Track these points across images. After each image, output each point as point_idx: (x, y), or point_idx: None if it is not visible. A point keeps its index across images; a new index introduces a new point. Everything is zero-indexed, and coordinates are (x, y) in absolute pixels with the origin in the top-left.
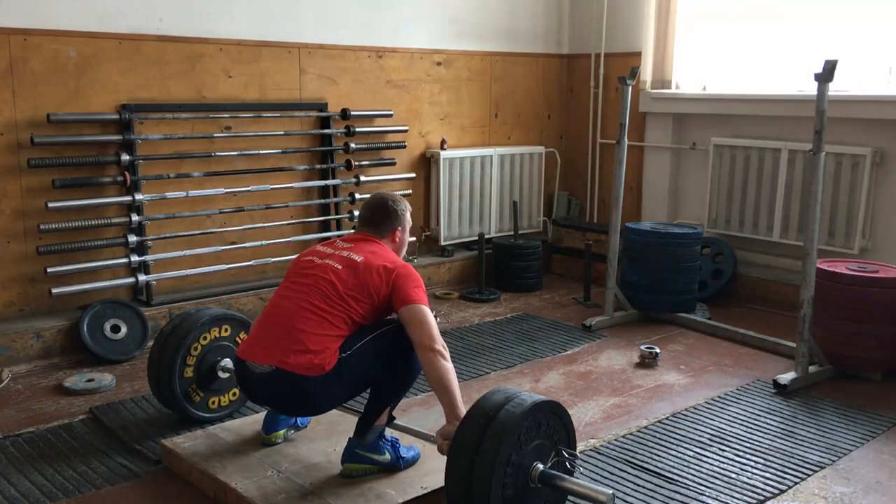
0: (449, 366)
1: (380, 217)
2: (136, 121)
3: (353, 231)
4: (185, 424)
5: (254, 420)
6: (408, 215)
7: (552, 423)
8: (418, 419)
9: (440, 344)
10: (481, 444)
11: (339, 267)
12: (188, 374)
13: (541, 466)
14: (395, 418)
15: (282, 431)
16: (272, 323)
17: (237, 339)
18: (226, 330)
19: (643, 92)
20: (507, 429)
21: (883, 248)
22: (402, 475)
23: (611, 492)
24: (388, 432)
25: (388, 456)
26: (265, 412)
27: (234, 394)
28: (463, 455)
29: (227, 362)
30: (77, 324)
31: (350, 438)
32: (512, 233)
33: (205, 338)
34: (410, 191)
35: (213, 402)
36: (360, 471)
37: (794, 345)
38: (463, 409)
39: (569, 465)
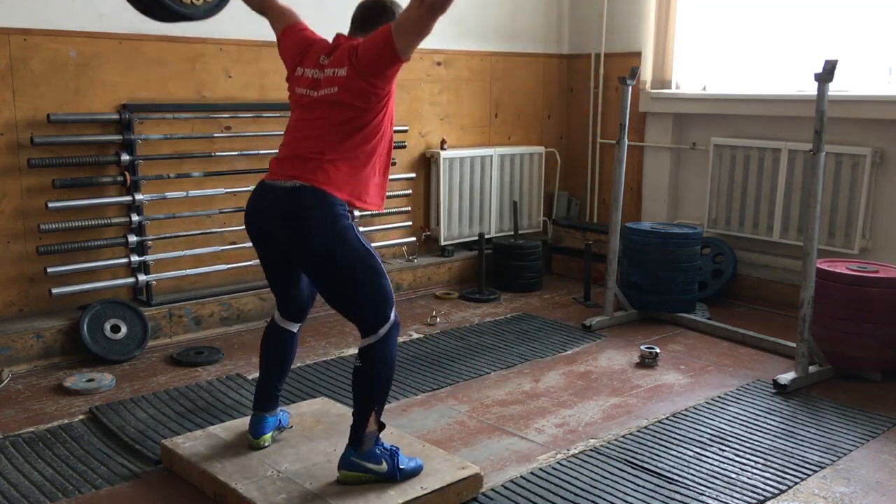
0: None
1: (372, 16)
2: (136, 121)
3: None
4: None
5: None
6: (398, 6)
7: None
8: (418, 419)
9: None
10: None
11: (335, 91)
12: None
13: None
14: (384, 425)
15: (269, 434)
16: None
17: None
18: None
19: (643, 92)
20: None
21: (883, 248)
22: None
23: None
24: (388, 440)
25: (384, 466)
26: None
27: None
28: None
29: None
30: (77, 324)
31: (347, 446)
32: (512, 233)
33: None
34: (410, 191)
35: None
36: (356, 479)
37: (794, 345)
38: None
39: None
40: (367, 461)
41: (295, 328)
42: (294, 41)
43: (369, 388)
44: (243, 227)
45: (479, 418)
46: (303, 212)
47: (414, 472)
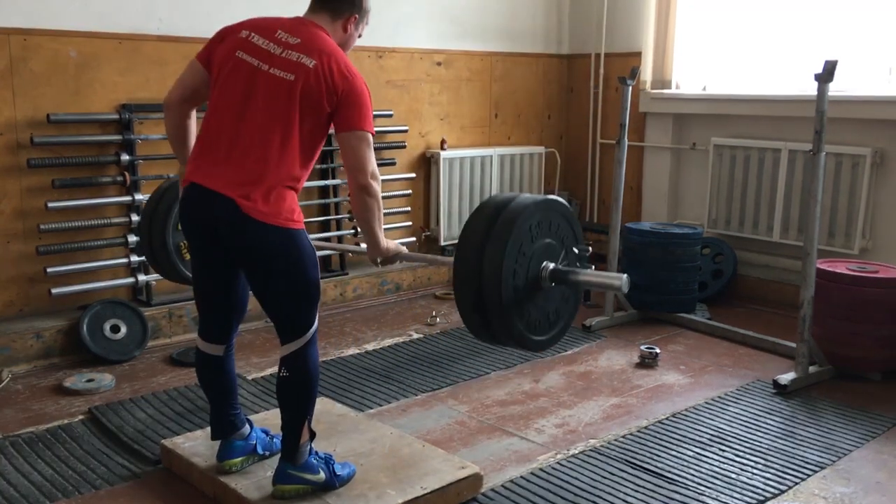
0: (373, 202)
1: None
2: (136, 121)
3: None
4: (175, 285)
5: (253, 420)
6: (369, 4)
7: (561, 224)
8: (418, 419)
9: (369, 175)
10: (492, 230)
11: (291, 78)
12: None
13: (552, 265)
14: (315, 434)
15: (238, 459)
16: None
17: None
18: None
19: (643, 92)
20: (517, 216)
21: (883, 248)
22: (402, 475)
23: (625, 276)
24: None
25: (322, 475)
26: (264, 411)
27: None
28: (473, 239)
29: None
30: (77, 324)
31: (280, 460)
32: None
33: None
34: (410, 191)
35: None
36: (294, 492)
37: (794, 345)
38: (384, 241)
39: (579, 264)
40: (304, 472)
41: (220, 351)
42: (223, 35)
43: (298, 398)
44: None
45: (479, 418)
46: (265, 252)
47: (349, 477)
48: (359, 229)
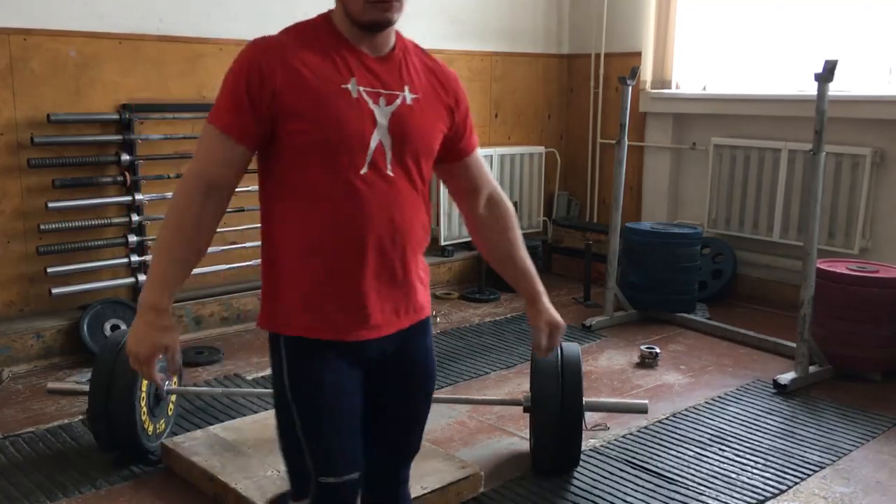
0: (172, 205)
1: None
2: (136, 121)
3: None
4: (137, 460)
5: (253, 420)
6: None
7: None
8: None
9: (190, 173)
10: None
11: None
12: (144, 417)
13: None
14: None
15: None
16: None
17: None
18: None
19: (643, 92)
20: (578, 382)
21: (883, 248)
22: None
23: (646, 401)
24: None
25: None
26: (264, 411)
27: (170, 409)
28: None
29: (168, 383)
30: (77, 324)
31: None
32: None
33: None
34: None
35: (161, 427)
36: None
37: (794, 345)
38: (154, 295)
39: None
40: None
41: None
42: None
43: None
44: (243, 226)
45: (479, 418)
46: None
47: None
48: None
